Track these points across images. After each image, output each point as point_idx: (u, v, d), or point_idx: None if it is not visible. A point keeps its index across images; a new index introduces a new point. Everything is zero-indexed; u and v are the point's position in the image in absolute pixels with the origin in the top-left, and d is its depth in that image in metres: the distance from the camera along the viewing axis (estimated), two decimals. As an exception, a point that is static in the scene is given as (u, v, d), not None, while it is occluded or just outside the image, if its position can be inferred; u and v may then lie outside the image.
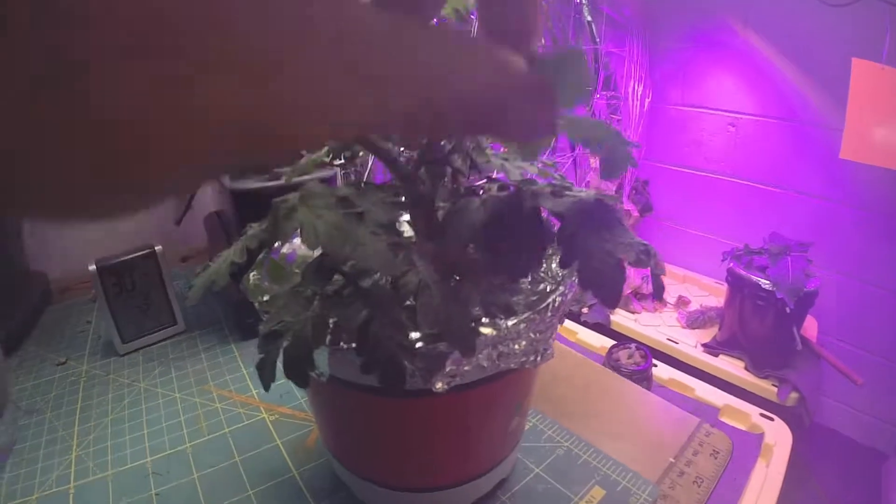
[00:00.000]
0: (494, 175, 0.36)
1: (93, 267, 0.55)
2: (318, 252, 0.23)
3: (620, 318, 1.44)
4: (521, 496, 0.38)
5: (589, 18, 1.39)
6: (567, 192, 0.27)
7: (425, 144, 0.23)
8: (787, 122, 1.37)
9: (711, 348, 1.32)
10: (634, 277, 1.52)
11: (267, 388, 0.24)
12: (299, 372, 0.21)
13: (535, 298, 0.26)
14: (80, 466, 0.43)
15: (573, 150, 1.46)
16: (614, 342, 0.94)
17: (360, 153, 0.31)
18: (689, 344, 1.35)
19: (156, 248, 0.59)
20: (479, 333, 0.22)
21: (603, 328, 1.40)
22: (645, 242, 0.25)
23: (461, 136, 0.19)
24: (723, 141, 1.52)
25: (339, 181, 0.90)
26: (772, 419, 0.63)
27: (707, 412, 0.85)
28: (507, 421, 0.31)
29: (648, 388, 0.93)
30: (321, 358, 0.23)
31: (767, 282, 1.16)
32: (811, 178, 1.36)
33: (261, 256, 0.31)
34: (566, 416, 0.47)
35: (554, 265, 0.30)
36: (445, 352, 0.22)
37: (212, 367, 0.55)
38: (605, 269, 0.21)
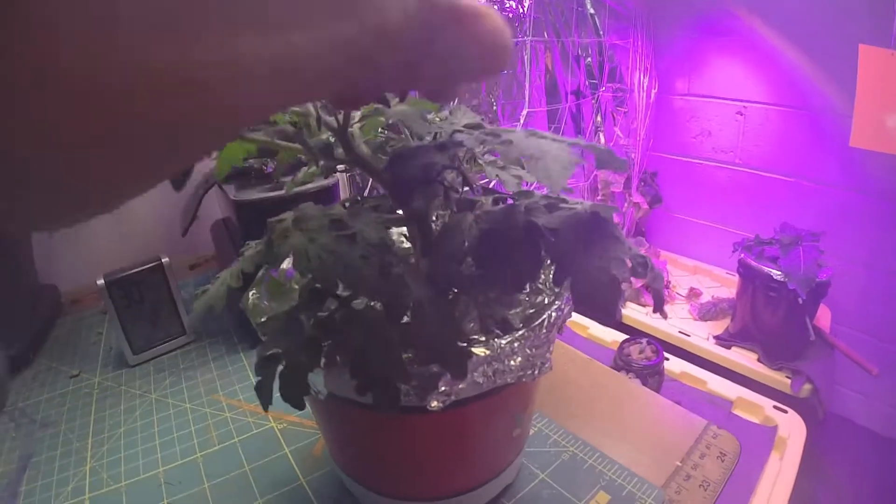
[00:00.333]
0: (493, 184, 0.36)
1: (101, 281, 0.56)
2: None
3: (632, 312, 1.43)
4: (527, 502, 0.38)
5: (591, 11, 1.38)
6: (563, 205, 0.27)
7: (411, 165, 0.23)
8: (796, 109, 1.35)
9: (724, 340, 1.31)
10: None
11: (265, 408, 0.24)
12: (294, 396, 0.21)
13: (532, 311, 0.26)
14: (95, 478, 0.44)
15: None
16: (626, 336, 0.94)
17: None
18: (701, 336, 1.34)
19: (162, 260, 0.59)
20: (471, 355, 0.22)
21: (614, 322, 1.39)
22: (642, 254, 0.25)
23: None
24: (731, 130, 1.50)
25: (345, 188, 0.91)
26: (785, 412, 0.62)
27: (720, 405, 0.85)
28: (508, 430, 0.31)
29: (660, 383, 0.92)
30: (317, 377, 0.23)
31: (779, 273, 1.15)
32: (822, 167, 1.34)
33: (260, 274, 0.31)
34: (572, 418, 0.47)
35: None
36: (438, 372, 0.22)
37: (221, 377, 0.56)
38: (599, 285, 0.21)
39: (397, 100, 0.26)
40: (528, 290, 0.28)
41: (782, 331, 1.20)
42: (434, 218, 0.34)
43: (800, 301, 1.12)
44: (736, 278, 1.32)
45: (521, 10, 1.23)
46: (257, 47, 0.10)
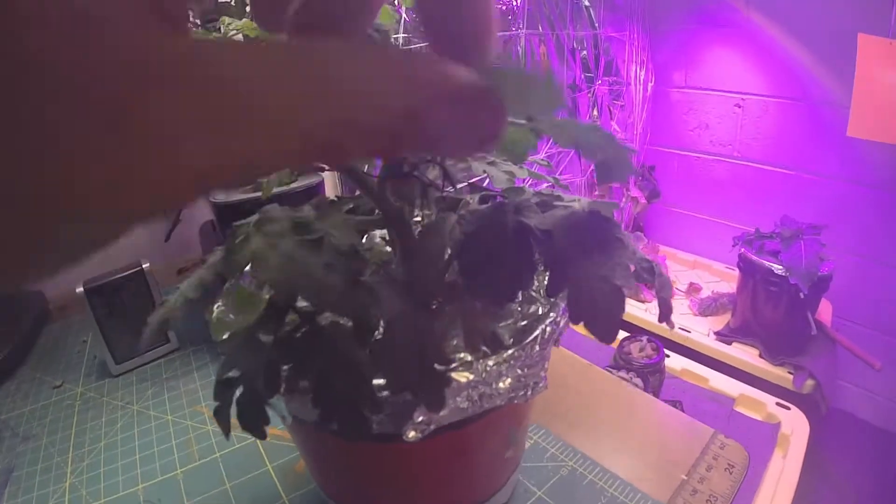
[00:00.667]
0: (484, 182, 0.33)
1: (80, 289, 0.53)
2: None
3: (631, 308, 1.41)
4: (523, 523, 0.36)
5: (587, 3, 1.35)
6: (557, 203, 0.24)
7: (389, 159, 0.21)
8: (795, 101, 1.33)
9: (724, 336, 1.29)
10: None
11: (227, 436, 0.21)
12: (253, 424, 0.19)
13: (524, 324, 0.23)
14: (74, 495, 0.42)
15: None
16: (626, 334, 0.91)
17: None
18: (702, 332, 1.32)
19: (143, 265, 0.56)
20: (450, 382, 0.19)
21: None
22: (648, 259, 0.22)
23: (391, 155, 0.17)
24: (729, 123, 1.47)
25: (333, 186, 0.88)
26: (788, 408, 0.60)
27: (722, 403, 0.83)
28: (500, 451, 0.29)
29: (661, 381, 0.90)
30: (279, 402, 0.21)
31: (780, 267, 1.13)
32: (822, 159, 1.32)
33: (228, 284, 0.28)
34: (571, 429, 0.44)
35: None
36: (412, 401, 0.19)
37: (204, 387, 0.54)
38: (599, 298, 0.18)
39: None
40: (519, 298, 0.25)
41: (784, 326, 1.18)
42: (420, 219, 0.31)
43: (801, 296, 1.10)
44: (736, 273, 1.30)
45: (514, 2, 1.20)
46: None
